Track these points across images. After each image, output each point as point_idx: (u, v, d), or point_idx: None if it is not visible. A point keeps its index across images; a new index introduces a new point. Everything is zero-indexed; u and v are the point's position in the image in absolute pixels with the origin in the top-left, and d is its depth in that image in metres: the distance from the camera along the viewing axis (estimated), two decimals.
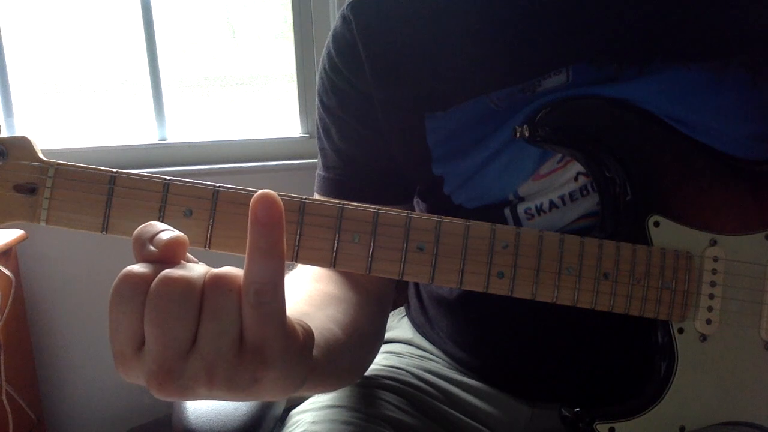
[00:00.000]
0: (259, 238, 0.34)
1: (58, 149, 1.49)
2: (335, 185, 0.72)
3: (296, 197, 0.52)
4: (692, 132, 0.60)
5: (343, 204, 0.52)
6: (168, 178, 0.50)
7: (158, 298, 0.34)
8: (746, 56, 0.60)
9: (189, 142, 1.58)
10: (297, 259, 0.52)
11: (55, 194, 0.49)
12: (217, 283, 0.35)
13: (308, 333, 0.40)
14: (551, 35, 0.63)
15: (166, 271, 0.35)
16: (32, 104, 1.56)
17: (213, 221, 0.50)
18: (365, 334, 0.62)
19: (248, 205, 0.35)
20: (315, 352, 0.43)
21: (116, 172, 0.50)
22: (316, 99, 0.74)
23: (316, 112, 0.74)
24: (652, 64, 0.60)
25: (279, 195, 0.41)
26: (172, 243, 0.37)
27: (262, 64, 1.76)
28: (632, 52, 0.61)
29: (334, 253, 0.52)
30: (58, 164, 0.50)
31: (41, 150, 0.51)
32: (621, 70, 0.61)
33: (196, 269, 0.36)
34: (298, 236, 0.52)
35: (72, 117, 1.61)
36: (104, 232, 0.50)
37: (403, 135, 0.67)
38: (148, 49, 1.53)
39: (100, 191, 0.50)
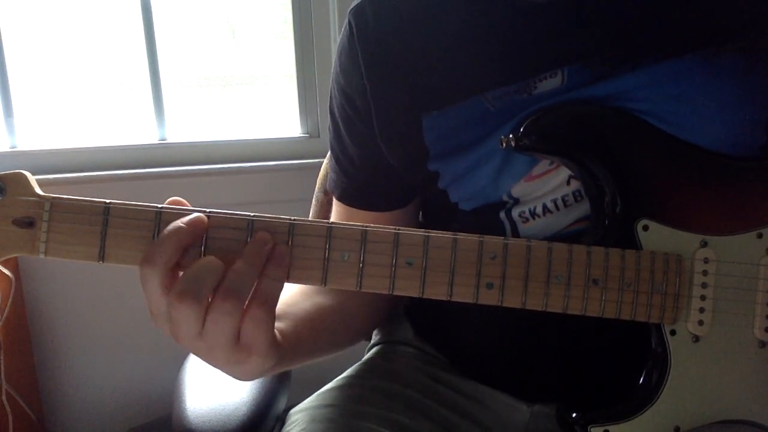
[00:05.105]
0: (271, 269, 0.50)
1: (58, 149, 1.49)
2: (338, 188, 0.76)
3: (285, 219, 0.53)
4: (683, 125, 0.60)
5: (331, 223, 0.53)
6: (160, 206, 0.52)
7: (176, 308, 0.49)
8: (741, 41, 0.60)
9: (189, 142, 1.57)
10: (288, 279, 0.53)
11: (52, 227, 0.51)
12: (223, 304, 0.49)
13: (286, 337, 0.57)
14: (545, 35, 0.63)
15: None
16: (32, 104, 1.56)
17: (204, 248, 0.52)
18: (351, 314, 0.72)
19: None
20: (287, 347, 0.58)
21: (109, 203, 0.51)
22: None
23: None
24: (646, 60, 0.60)
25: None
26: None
27: (262, 64, 1.76)
28: (627, 50, 0.61)
29: (325, 272, 0.53)
30: (54, 198, 0.51)
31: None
32: (615, 68, 0.61)
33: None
34: (288, 257, 0.53)
35: (72, 117, 1.61)
36: (101, 262, 0.51)
37: (400, 136, 0.68)
38: (147, 49, 1.52)
39: (95, 222, 0.51)
